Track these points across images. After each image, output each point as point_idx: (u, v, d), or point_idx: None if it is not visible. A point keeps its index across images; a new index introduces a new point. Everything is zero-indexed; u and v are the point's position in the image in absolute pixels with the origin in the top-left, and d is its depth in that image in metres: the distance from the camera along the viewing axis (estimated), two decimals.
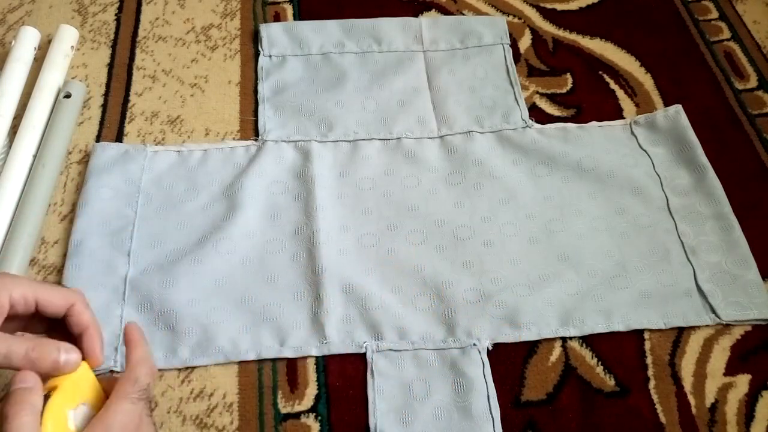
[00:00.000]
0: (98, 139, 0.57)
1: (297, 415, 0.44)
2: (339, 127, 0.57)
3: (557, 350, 0.47)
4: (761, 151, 0.58)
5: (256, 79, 0.61)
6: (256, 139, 0.57)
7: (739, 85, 0.62)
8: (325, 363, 0.46)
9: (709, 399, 0.45)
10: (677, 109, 0.58)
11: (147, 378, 0.35)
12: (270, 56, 0.62)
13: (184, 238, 0.50)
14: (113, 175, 0.53)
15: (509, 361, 0.46)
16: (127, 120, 0.58)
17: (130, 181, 0.53)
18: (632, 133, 0.58)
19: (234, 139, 0.57)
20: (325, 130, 0.57)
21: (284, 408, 0.44)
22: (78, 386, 0.34)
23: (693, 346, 0.47)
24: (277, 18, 0.66)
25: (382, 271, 0.49)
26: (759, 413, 0.45)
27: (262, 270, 0.49)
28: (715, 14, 0.68)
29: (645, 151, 0.57)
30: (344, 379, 0.45)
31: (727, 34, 0.67)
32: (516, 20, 0.67)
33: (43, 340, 0.34)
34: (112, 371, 0.45)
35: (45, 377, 0.33)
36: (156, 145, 0.56)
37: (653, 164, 0.56)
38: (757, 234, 0.52)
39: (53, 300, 0.35)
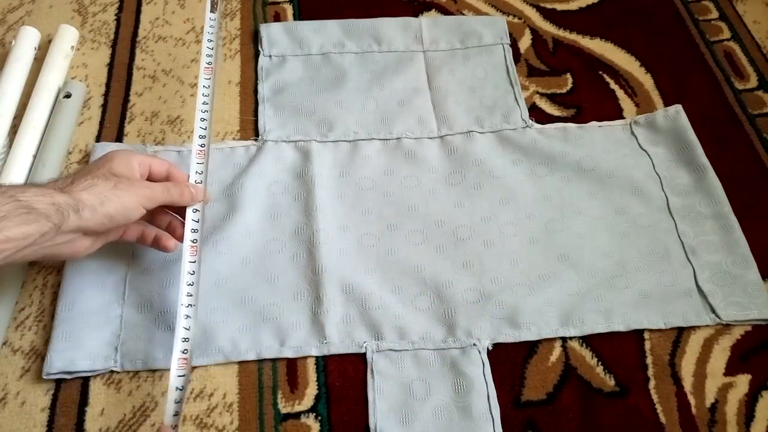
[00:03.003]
0: (98, 139, 0.57)
1: (297, 415, 0.44)
2: (339, 127, 0.57)
3: (557, 350, 0.47)
4: (761, 151, 0.58)
5: (256, 79, 0.61)
6: (256, 139, 0.57)
7: (739, 85, 0.62)
8: (325, 363, 0.46)
9: (709, 399, 0.45)
10: (677, 109, 0.58)
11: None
12: (270, 56, 0.62)
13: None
14: None
15: (509, 361, 0.46)
16: (127, 120, 0.58)
17: None
18: (632, 133, 0.58)
19: (234, 139, 0.57)
20: (325, 130, 0.57)
21: (284, 408, 0.44)
22: None
23: (693, 346, 0.47)
24: (277, 18, 0.66)
25: (382, 271, 0.49)
26: (759, 413, 0.45)
27: (262, 270, 0.49)
28: (715, 14, 0.68)
29: (645, 151, 0.57)
30: (344, 379, 0.45)
31: (727, 34, 0.67)
32: (516, 20, 0.67)
33: (175, 181, 0.45)
34: (112, 371, 0.45)
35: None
36: (156, 145, 0.56)
37: (653, 164, 0.56)
38: (757, 234, 0.52)
39: (160, 164, 0.45)
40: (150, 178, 0.44)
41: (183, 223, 0.46)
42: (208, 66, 0.51)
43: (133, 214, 0.41)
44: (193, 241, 0.44)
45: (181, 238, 0.45)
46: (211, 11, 0.54)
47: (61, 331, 0.45)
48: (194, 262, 0.44)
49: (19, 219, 0.35)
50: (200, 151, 0.48)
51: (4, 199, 0.35)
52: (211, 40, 0.53)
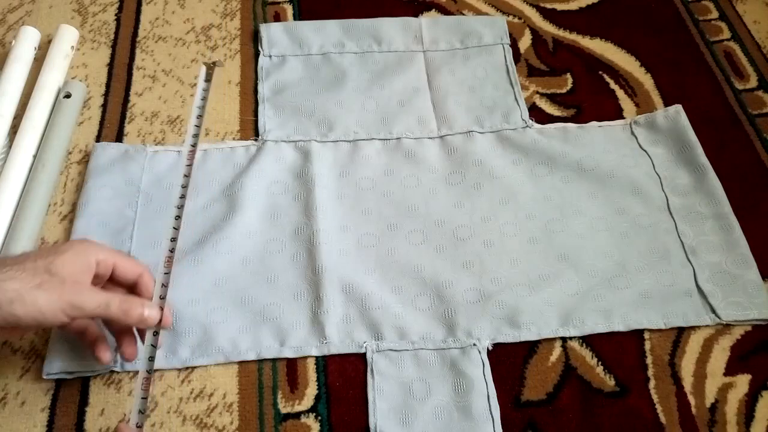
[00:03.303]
0: (98, 139, 0.57)
1: (297, 415, 0.44)
2: (339, 127, 0.57)
3: (557, 350, 0.47)
4: (761, 151, 0.58)
5: (256, 79, 0.61)
6: (256, 139, 0.57)
7: (739, 85, 0.62)
8: (325, 363, 0.46)
9: (709, 399, 0.45)
10: (677, 109, 0.58)
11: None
12: (270, 56, 0.62)
13: (184, 238, 0.50)
14: (113, 175, 0.53)
15: (509, 361, 0.46)
16: (127, 120, 0.58)
17: (130, 181, 0.53)
18: (632, 133, 0.58)
19: (234, 139, 0.57)
20: (325, 130, 0.57)
21: (284, 408, 0.44)
22: None
23: (693, 346, 0.47)
24: (277, 18, 0.66)
25: (382, 271, 0.49)
26: (759, 413, 0.45)
27: (262, 270, 0.49)
28: (715, 14, 0.68)
29: (645, 151, 0.57)
30: (344, 379, 0.45)
31: (727, 34, 0.67)
32: (516, 20, 0.67)
33: (131, 296, 0.40)
34: (112, 371, 0.45)
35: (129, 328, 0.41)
36: (156, 145, 0.56)
37: (653, 164, 0.56)
38: (757, 234, 0.52)
39: (128, 267, 0.40)
40: (114, 279, 0.40)
41: (135, 341, 0.41)
42: (191, 149, 0.44)
43: (48, 320, 0.36)
44: (148, 372, 0.39)
45: (130, 356, 0.41)
46: (205, 80, 0.46)
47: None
48: (145, 398, 0.39)
49: None
50: (168, 258, 0.41)
51: None
52: (200, 116, 0.46)
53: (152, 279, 0.41)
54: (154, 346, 0.40)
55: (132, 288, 0.41)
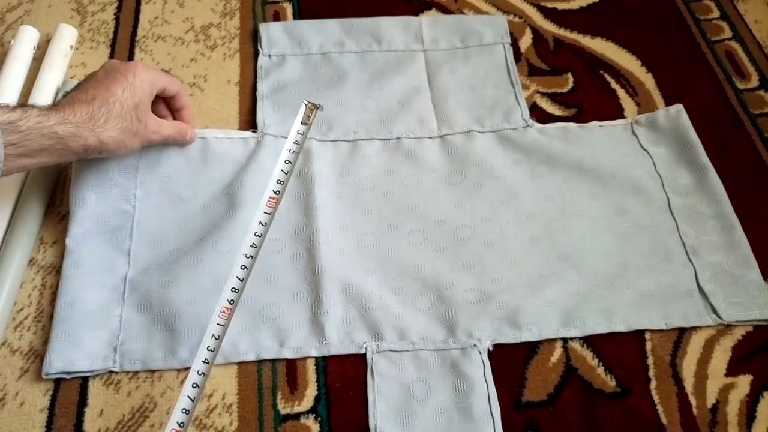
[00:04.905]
0: None
1: (297, 416, 0.44)
2: (339, 127, 0.57)
3: (558, 351, 0.47)
4: (762, 151, 0.58)
5: (256, 78, 0.61)
6: (254, 131, 0.56)
7: (741, 85, 0.62)
8: (324, 364, 0.46)
9: (711, 399, 0.45)
10: (678, 109, 0.58)
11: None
12: (269, 56, 0.62)
13: (184, 237, 0.50)
14: (110, 170, 0.52)
15: (510, 362, 0.46)
16: None
17: (126, 174, 0.52)
18: (633, 132, 0.58)
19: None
20: (324, 130, 0.57)
21: (284, 409, 0.44)
22: None
23: (694, 346, 0.47)
24: (277, 17, 0.66)
25: (382, 271, 0.49)
26: (760, 414, 0.44)
27: (261, 270, 0.49)
28: (716, 13, 0.68)
29: (646, 150, 0.56)
30: (344, 380, 0.45)
31: (728, 33, 0.66)
32: (517, 19, 0.67)
33: (179, 122, 0.53)
34: (111, 372, 0.45)
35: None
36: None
37: (654, 164, 0.56)
38: (759, 234, 0.52)
39: (173, 84, 0.51)
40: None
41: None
42: (274, 195, 0.42)
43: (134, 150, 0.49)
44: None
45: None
46: (302, 123, 0.44)
47: (60, 331, 0.45)
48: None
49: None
50: (225, 308, 0.40)
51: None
52: (288, 161, 0.43)
53: (185, 93, 0.53)
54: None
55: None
